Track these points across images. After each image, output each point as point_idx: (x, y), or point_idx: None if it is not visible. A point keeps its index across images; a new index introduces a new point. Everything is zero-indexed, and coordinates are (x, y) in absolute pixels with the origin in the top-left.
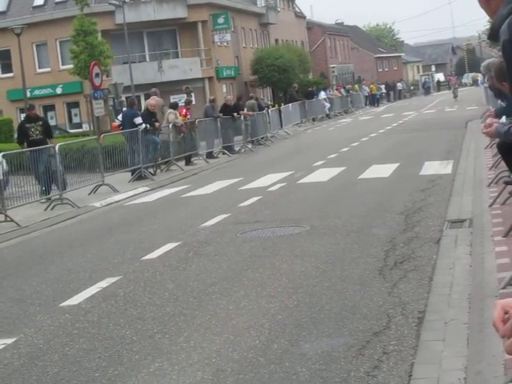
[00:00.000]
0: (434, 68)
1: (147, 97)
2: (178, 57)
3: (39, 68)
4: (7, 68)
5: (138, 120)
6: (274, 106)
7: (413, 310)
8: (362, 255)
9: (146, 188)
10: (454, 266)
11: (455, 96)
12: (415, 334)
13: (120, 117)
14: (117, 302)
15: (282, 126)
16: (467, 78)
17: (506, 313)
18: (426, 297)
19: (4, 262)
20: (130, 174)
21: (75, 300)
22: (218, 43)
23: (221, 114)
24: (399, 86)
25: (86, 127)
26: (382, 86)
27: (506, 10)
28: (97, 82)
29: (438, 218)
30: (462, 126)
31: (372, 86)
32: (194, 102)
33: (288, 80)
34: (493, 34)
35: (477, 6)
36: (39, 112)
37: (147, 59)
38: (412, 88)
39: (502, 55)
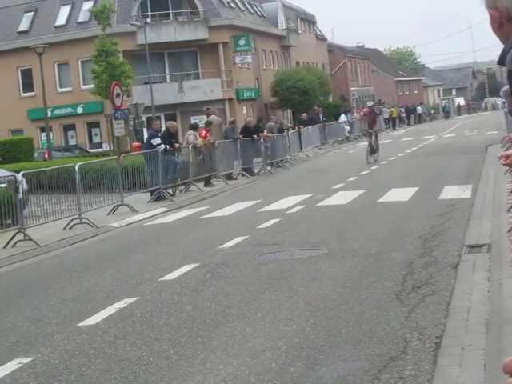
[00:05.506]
0: (454, 92)
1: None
2: (198, 78)
3: (60, 87)
4: (28, 87)
5: (156, 141)
6: (294, 129)
7: (430, 334)
8: (380, 279)
9: (165, 209)
10: (472, 291)
11: (371, 153)
12: (432, 359)
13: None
14: (134, 322)
15: (301, 149)
16: (487, 102)
17: None
18: (444, 322)
19: (22, 281)
20: (149, 194)
21: (92, 320)
22: (239, 65)
23: (240, 136)
24: (419, 109)
25: (105, 147)
26: (402, 109)
27: None
28: (117, 102)
29: (457, 242)
30: (482, 150)
31: (392, 109)
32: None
33: (308, 102)
34: (502, 60)
35: None
36: (60, 131)
37: (168, 80)
38: (432, 112)
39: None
